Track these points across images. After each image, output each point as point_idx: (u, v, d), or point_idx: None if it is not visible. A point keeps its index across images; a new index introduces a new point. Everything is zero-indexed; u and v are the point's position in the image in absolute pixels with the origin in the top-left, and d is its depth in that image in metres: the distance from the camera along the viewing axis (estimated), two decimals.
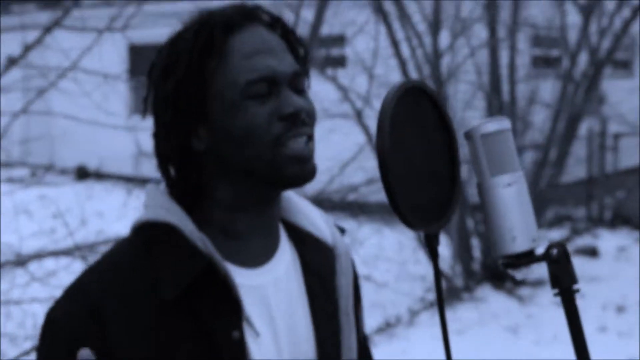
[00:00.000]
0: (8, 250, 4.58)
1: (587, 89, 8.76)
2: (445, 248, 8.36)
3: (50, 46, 4.62)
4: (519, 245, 1.18)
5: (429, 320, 7.00)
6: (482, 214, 1.23)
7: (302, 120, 1.26)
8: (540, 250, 1.19)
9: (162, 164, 1.30)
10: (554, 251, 1.18)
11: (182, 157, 1.27)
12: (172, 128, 1.26)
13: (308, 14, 5.80)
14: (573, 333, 1.18)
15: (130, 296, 1.23)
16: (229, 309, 1.24)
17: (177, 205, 1.28)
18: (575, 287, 1.19)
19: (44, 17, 4.80)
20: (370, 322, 6.91)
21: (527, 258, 1.19)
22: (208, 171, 1.28)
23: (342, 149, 6.87)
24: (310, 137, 1.28)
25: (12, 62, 4.43)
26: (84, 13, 4.89)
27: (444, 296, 7.47)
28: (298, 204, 1.40)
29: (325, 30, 7.31)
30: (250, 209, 1.29)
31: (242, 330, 1.24)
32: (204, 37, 1.25)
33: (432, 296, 7.58)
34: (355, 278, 1.46)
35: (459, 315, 7.15)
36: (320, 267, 1.36)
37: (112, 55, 6.55)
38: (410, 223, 1.19)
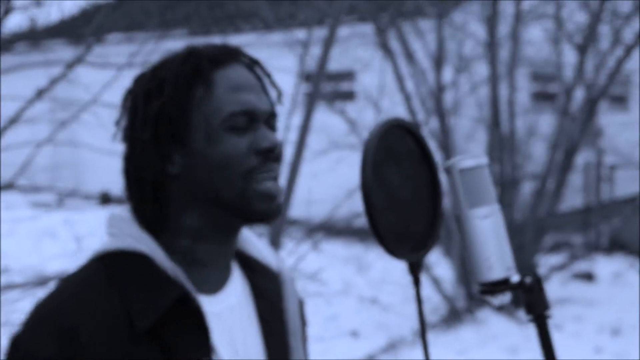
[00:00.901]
0: (31, 272, 4.61)
1: (584, 122, 8.75)
2: (447, 271, 8.34)
3: (74, 81, 4.67)
4: (495, 273, 1.19)
5: (432, 341, 6.96)
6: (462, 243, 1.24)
7: (275, 157, 1.26)
8: (515, 278, 1.20)
9: (130, 187, 1.28)
10: (528, 279, 1.19)
11: (154, 180, 1.25)
12: (148, 149, 1.24)
13: (317, 50, 5.83)
14: (546, 356, 1.19)
15: (102, 324, 1.19)
16: (199, 338, 1.22)
17: (146, 234, 1.25)
18: (549, 312, 1.20)
19: (68, 53, 4.85)
20: (376, 342, 6.90)
21: (503, 285, 1.20)
22: (177, 197, 1.26)
23: (349, 178, 6.87)
24: (277, 177, 1.28)
25: (38, 94, 4.47)
26: (105, 50, 4.94)
27: (447, 318, 7.48)
28: (246, 233, 1.39)
29: (335, 66, 7.35)
30: (213, 239, 1.28)
31: (210, 357, 1.22)
32: (191, 66, 1.25)
33: (434, 318, 7.55)
34: (300, 304, 1.45)
35: (461, 336, 7.12)
36: (269, 292, 1.36)
37: None
38: (393, 252, 1.20)
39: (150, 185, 1.25)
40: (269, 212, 1.26)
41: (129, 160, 1.27)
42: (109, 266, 1.24)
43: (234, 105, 1.25)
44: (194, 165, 1.24)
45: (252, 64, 1.31)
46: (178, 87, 1.24)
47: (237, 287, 1.33)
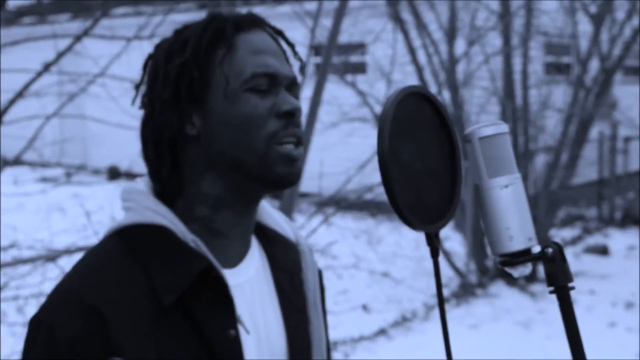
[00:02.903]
0: (40, 246, 4.62)
1: (598, 94, 8.68)
2: (459, 246, 8.33)
3: (81, 53, 4.65)
4: (516, 244, 1.17)
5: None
6: (480, 214, 1.22)
7: (296, 122, 1.25)
8: (536, 249, 1.18)
9: (148, 150, 1.26)
10: (550, 250, 1.16)
11: (173, 140, 1.24)
12: (168, 107, 1.23)
13: (328, 22, 5.79)
14: (568, 329, 1.17)
15: (125, 300, 1.18)
16: (224, 309, 1.22)
17: (164, 206, 1.24)
18: (570, 285, 1.18)
19: (75, 26, 4.83)
20: (387, 316, 6.91)
21: (524, 257, 1.17)
22: (196, 160, 1.25)
23: (361, 151, 6.87)
24: (299, 141, 1.26)
25: (45, 67, 4.45)
26: (112, 22, 4.91)
27: (459, 293, 7.48)
28: (263, 204, 1.38)
29: (346, 38, 7.30)
30: (233, 208, 1.26)
31: (237, 328, 1.22)
32: (213, 29, 1.25)
33: (446, 292, 7.56)
34: (319, 274, 1.45)
35: (473, 310, 7.13)
36: (287, 264, 1.36)
37: (140, 62, 6.56)
38: (410, 223, 1.17)
39: (168, 147, 1.24)
40: (290, 176, 1.25)
41: (147, 122, 1.26)
42: (128, 241, 1.23)
43: (255, 67, 1.24)
44: (214, 126, 1.23)
45: (276, 35, 1.31)
46: (200, 47, 1.24)
47: (255, 259, 1.32)
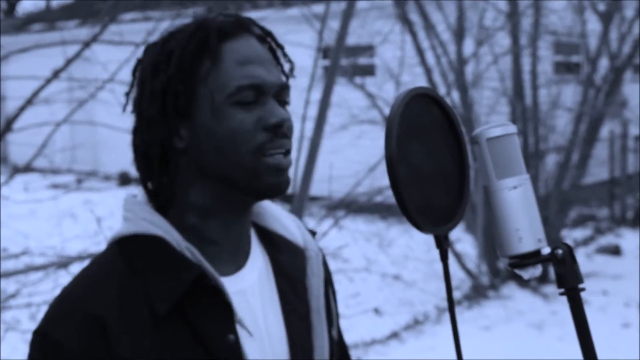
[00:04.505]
0: (52, 253, 4.63)
1: (608, 93, 8.65)
2: (471, 247, 8.31)
3: (90, 60, 4.66)
4: (525, 245, 1.16)
5: (457, 317, 6.96)
6: (490, 215, 1.21)
7: (284, 133, 1.24)
8: (546, 250, 1.17)
9: (139, 161, 1.27)
10: (559, 251, 1.16)
11: (162, 154, 1.24)
12: (155, 123, 1.23)
13: (336, 24, 5.80)
14: (579, 331, 1.16)
15: (126, 310, 1.19)
16: (222, 314, 1.22)
17: (159, 216, 1.25)
18: (581, 286, 1.17)
19: (84, 32, 4.85)
20: (399, 319, 6.90)
21: (533, 258, 1.17)
22: (185, 172, 1.25)
23: (370, 153, 6.86)
24: (288, 151, 1.26)
25: (54, 74, 4.47)
26: (121, 28, 4.92)
27: (471, 295, 7.46)
28: (269, 208, 1.38)
29: (354, 40, 7.30)
30: (222, 216, 1.27)
31: (236, 333, 1.22)
32: (198, 40, 1.24)
33: (458, 294, 7.54)
34: (328, 276, 1.44)
35: (486, 312, 7.11)
36: (291, 269, 1.35)
37: None
38: (419, 226, 1.17)
39: (157, 160, 1.25)
40: (279, 185, 1.25)
41: (136, 133, 1.27)
42: (127, 251, 1.24)
43: (241, 79, 1.23)
44: (201, 140, 1.23)
45: (264, 36, 1.30)
46: (184, 61, 1.23)
47: (257, 264, 1.32)
